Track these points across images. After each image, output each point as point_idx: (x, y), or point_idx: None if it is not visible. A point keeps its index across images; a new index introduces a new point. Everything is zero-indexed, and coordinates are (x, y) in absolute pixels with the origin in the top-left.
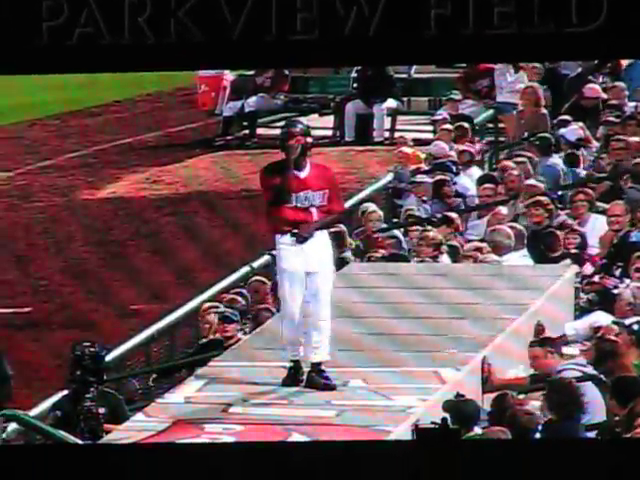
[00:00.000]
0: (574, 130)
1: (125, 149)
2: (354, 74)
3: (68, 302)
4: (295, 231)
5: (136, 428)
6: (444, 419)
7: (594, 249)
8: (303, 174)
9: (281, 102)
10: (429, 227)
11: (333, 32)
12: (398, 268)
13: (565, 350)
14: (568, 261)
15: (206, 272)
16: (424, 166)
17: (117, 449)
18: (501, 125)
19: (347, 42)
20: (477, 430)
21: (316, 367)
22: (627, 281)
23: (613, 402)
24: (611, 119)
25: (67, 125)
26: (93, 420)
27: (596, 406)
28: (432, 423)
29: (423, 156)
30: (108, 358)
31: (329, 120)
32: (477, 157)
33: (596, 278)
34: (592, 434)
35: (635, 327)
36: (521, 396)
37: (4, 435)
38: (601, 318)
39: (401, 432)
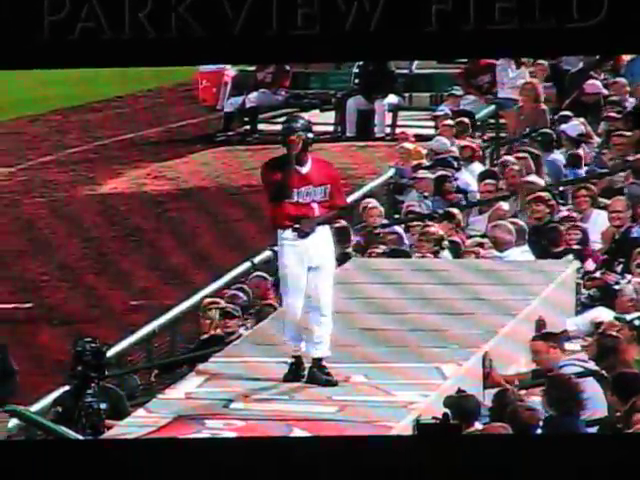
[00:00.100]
0: (575, 126)
1: (126, 145)
2: (355, 70)
3: (69, 298)
4: (296, 226)
5: (137, 424)
6: (445, 415)
7: (596, 245)
8: (305, 169)
9: (282, 98)
10: (430, 223)
11: (334, 27)
12: (400, 264)
13: (566, 346)
14: (571, 256)
15: (206, 269)
16: (425, 162)
17: (118, 445)
18: (502, 121)
19: (348, 37)
20: (478, 426)
21: (317, 363)
22: (628, 277)
23: (614, 398)
24: (612, 115)
25: (68, 121)
26: (94, 416)
27: (597, 402)
28: (433, 419)
29: (424, 152)
30: (109, 354)
31: (330, 116)
32: (478, 153)
33: (597, 274)
34: (593, 430)
35: (636, 323)
36: (522, 392)
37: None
38: (602, 314)
39: (402, 428)
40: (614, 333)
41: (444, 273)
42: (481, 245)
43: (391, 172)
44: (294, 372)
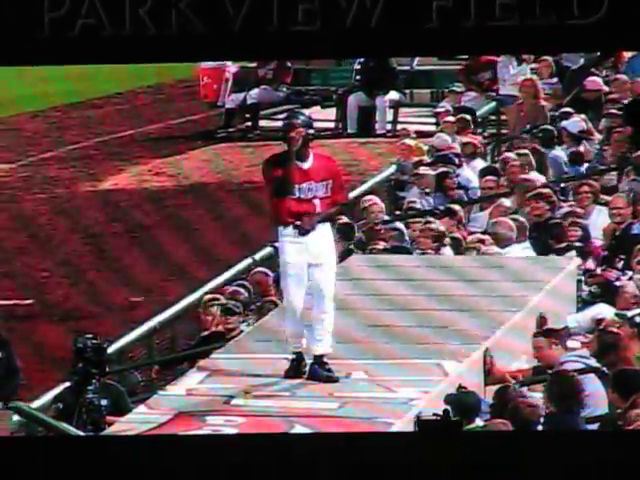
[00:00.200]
0: (576, 122)
1: (127, 141)
2: (356, 66)
3: (70, 294)
4: (297, 223)
5: (138, 420)
6: (446, 411)
7: (598, 241)
8: (306, 165)
9: (283, 94)
10: (431, 219)
11: (335, 23)
12: (399, 260)
13: (568, 343)
14: (573, 253)
15: (208, 265)
16: (426, 158)
17: (119, 441)
18: (503, 117)
19: (349, 34)
20: (478, 422)
21: (319, 359)
22: (629, 273)
23: (615, 395)
24: (613, 111)
25: (68, 117)
26: (95, 412)
27: (598, 399)
28: (434, 415)
29: (425, 148)
30: (110, 350)
31: (331, 112)
32: (480, 149)
33: (598, 270)
34: (594, 427)
35: (637, 319)
36: (523, 388)
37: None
38: (603, 310)
39: (403, 424)
40: (615, 330)
41: (446, 270)
42: (482, 241)
43: (392, 168)
44: (295, 368)
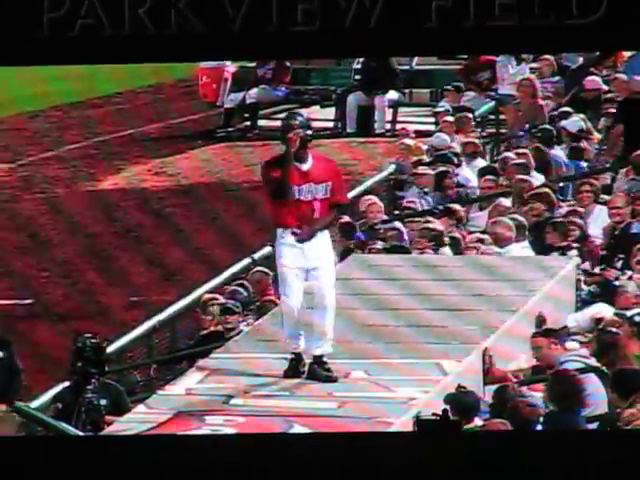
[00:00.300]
0: (575, 122)
1: (126, 141)
2: (356, 66)
3: (69, 294)
4: (296, 231)
5: (137, 420)
6: (445, 410)
7: (598, 240)
8: (305, 166)
9: (282, 94)
10: (431, 219)
11: (334, 23)
12: (398, 260)
13: (567, 344)
14: (573, 252)
15: (206, 266)
16: (426, 158)
17: (118, 441)
18: (502, 117)
19: (348, 33)
20: (478, 422)
21: (318, 359)
22: (629, 273)
23: (614, 395)
24: (612, 111)
25: (69, 117)
26: (94, 412)
27: (598, 398)
28: (433, 414)
29: (425, 148)
30: (109, 350)
31: (330, 112)
32: (480, 149)
33: (597, 270)
34: (593, 426)
35: (637, 319)
36: (523, 388)
37: None
38: (603, 310)
39: (402, 424)
40: (614, 329)
41: (444, 269)
42: (481, 241)
43: (391, 168)
44: (294, 368)
